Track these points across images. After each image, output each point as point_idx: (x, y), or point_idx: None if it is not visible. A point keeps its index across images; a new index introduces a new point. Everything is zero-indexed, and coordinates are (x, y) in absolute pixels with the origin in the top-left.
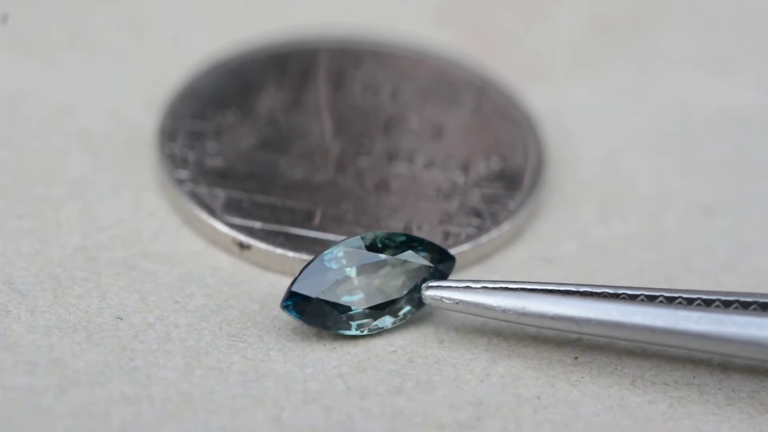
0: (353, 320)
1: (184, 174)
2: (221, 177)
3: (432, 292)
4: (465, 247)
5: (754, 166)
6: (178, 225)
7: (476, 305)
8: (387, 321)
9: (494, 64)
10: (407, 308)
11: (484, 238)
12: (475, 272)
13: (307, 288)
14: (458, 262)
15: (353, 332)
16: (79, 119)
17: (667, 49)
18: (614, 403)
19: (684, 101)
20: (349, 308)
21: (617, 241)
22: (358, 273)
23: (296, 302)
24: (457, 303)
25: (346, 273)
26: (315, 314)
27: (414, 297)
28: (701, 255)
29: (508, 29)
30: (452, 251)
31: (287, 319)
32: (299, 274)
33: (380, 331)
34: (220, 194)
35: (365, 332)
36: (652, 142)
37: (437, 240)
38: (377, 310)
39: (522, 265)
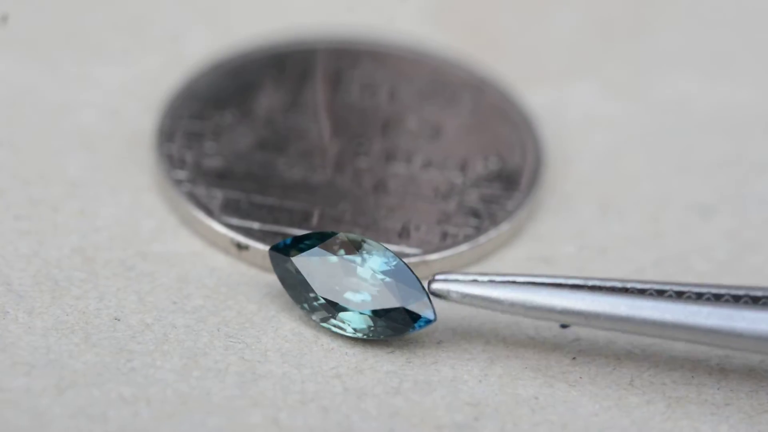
0: (311, 304)
1: (182, 174)
2: (219, 177)
3: (439, 285)
4: (463, 247)
5: (753, 165)
6: (176, 225)
7: (483, 299)
8: (342, 326)
9: (492, 64)
10: (360, 330)
11: (482, 239)
12: (474, 268)
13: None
14: (456, 263)
15: (312, 317)
16: (78, 120)
17: (666, 49)
18: (612, 404)
19: (682, 101)
20: (310, 290)
21: (616, 241)
22: (347, 272)
23: (283, 256)
24: (464, 296)
25: (331, 261)
26: (287, 276)
27: (374, 327)
28: (700, 255)
29: (506, 29)
30: (450, 252)
31: (285, 320)
32: (309, 233)
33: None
34: (218, 195)
35: (323, 324)
36: (650, 141)
37: (434, 239)
38: (333, 308)
39: (520, 265)
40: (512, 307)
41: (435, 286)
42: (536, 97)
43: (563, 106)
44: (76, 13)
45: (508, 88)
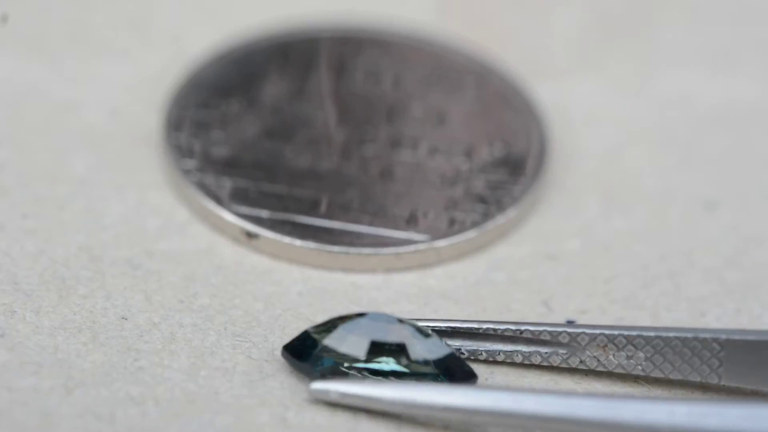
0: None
1: (190, 164)
2: (228, 166)
3: (317, 386)
4: (471, 233)
5: (757, 160)
6: (183, 223)
7: (363, 398)
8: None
9: (496, 58)
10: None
11: (489, 225)
12: (480, 260)
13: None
14: (464, 248)
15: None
16: (82, 118)
17: (670, 44)
18: None
19: (686, 95)
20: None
21: (620, 237)
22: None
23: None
24: (343, 396)
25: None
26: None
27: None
28: (705, 250)
29: (510, 25)
30: (458, 238)
31: (291, 318)
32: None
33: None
34: (227, 183)
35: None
36: (654, 136)
37: (442, 225)
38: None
39: (525, 263)
40: (392, 405)
41: (313, 386)
42: (540, 93)
43: (567, 102)
44: (79, 12)
45: (511, 74)
